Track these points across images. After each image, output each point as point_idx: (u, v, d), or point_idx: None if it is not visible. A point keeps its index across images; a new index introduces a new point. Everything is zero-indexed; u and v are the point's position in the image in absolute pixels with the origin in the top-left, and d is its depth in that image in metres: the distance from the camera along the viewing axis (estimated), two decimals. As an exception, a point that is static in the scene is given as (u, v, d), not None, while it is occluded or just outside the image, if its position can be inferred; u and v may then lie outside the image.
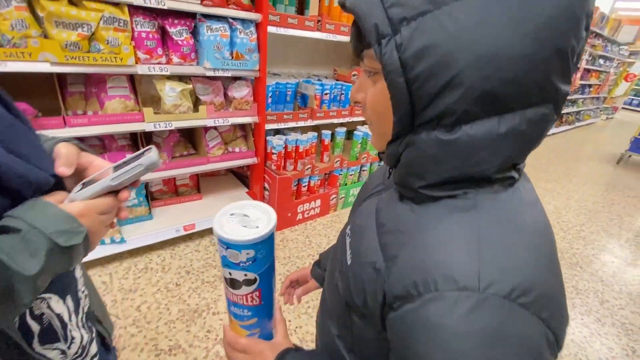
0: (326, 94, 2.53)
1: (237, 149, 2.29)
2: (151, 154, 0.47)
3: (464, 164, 0.34)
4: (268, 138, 2.33)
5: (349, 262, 0.45)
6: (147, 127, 1.75)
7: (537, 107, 0.32)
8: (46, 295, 0.49)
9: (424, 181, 0.37)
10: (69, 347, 0.53)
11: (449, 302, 0.31)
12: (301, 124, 2.41)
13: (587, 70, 7.18)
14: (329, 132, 2.63)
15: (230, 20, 1.82)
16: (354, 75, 2.69)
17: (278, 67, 2.81)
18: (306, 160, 2.54)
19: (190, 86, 1.84)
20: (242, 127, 2.36)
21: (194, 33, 1.81)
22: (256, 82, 2.11)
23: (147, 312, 1.66)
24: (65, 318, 0.52)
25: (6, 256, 0.37)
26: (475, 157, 0.33)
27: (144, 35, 1.61)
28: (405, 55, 0.31)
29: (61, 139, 0.51)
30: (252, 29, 1.91)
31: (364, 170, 2.99)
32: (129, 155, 0.49)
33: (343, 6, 0.35)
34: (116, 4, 1.49)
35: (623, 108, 11.65)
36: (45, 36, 1.37)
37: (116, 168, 0.47)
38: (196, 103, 2.03)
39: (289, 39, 2.73)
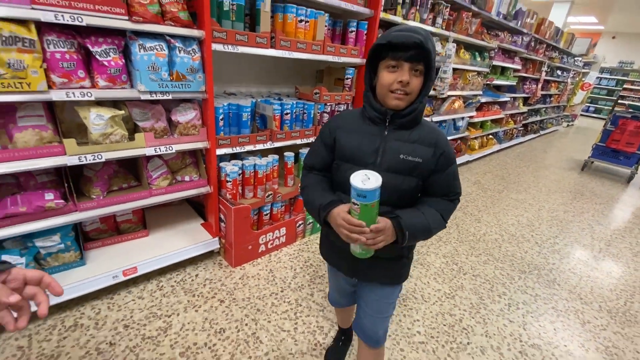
0: (287, 113, 2.36)
1: (187, 178, 2.06)
2: None
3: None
4: (220, 164, 2.11)
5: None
6: (70, 160, 1.50)
7: None
8: None
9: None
10: None
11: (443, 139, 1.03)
12: (260, 146, 2.22)
13: (547, 82, 7.48)
14: (292, 154, 2.45)
15: (168, 37, 1.62)
16: (316, 93, 2.55)
17: (235, 86, 2.63)
18: (267, 186, 2.34)
19: (123, 112, 1.61)
20: (193, 153, 2.14)
21: (126, 52, 1.60)
22: (204, 104, 1.91)
23: (68, 385, 1.38)
24: None
25: None
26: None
27: (58, 56, 1.38)
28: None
29: None
30: (195, 47, 1.72)
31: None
32: None
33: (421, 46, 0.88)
34: (21, 22, 1.27)
35: (581, 115, 12.42)
36: None
37: None
38: (135, 130, 1.80)
39: (245, 57, 2.56)
